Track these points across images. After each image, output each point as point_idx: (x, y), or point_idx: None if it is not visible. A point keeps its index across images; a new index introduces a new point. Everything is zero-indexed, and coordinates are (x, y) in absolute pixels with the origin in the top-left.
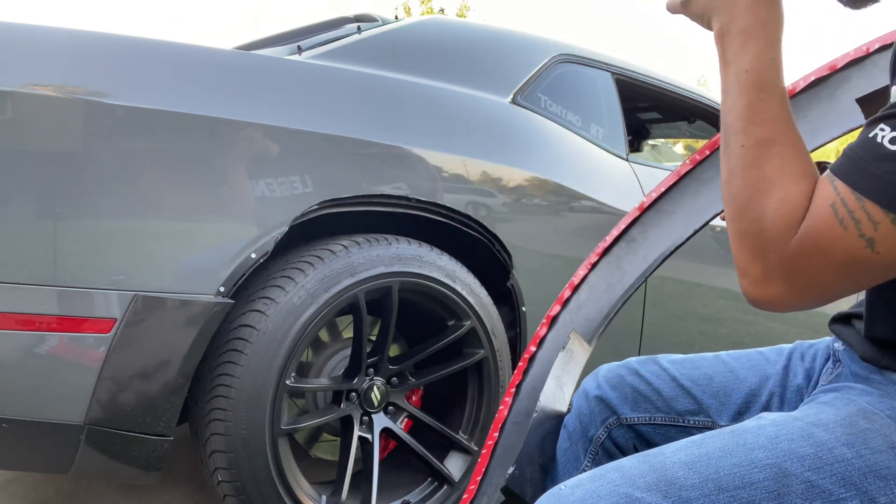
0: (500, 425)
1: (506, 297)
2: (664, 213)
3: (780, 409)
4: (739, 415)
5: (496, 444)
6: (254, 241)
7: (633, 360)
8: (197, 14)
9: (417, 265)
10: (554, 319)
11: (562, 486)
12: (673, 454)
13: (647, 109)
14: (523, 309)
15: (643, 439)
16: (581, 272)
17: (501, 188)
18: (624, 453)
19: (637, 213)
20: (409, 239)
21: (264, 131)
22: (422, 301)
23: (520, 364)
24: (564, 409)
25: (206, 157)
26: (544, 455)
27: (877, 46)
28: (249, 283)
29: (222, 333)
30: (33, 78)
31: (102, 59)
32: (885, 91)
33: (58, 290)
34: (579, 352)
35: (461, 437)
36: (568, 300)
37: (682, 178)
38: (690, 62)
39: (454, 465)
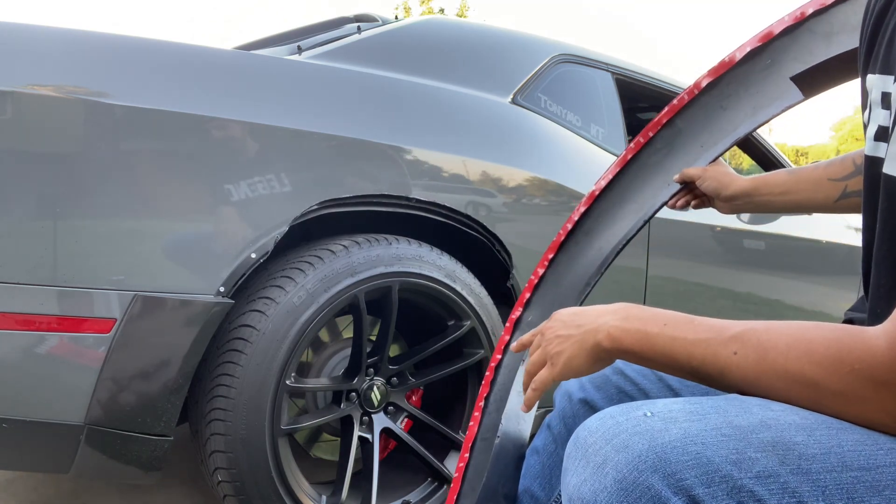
0: (470, 444)
1: (506, 297)
2: (614, 203)
3: None
4: None
5: (467, 465)
6: (254, 241)
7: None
8: (211, 13)
9: (417, 265)
10: (517, 322)
11: (647, 411)
12: (783, 413)
13: (647, 109)
14: None
15: None
16: (539, 270)
17: (501, 188)
18: None
19: (588, 204)
20: (409, 239)
21: (264, 131)
22: (422, 301)
23: (486, 374)
24: (528, 428)
25: (205, 156)
26: (507, 485)
27: (811, 11)
28: (249, 283)
29: (222, 333)
30: (33, 78)
31: (102, 59)
32: (822, 67)
33: (58, 290)
34: None
35: (461, 437)
36: (529, 301)
37: (628, 163)
38: (690, 62)
39: (454, 465)
